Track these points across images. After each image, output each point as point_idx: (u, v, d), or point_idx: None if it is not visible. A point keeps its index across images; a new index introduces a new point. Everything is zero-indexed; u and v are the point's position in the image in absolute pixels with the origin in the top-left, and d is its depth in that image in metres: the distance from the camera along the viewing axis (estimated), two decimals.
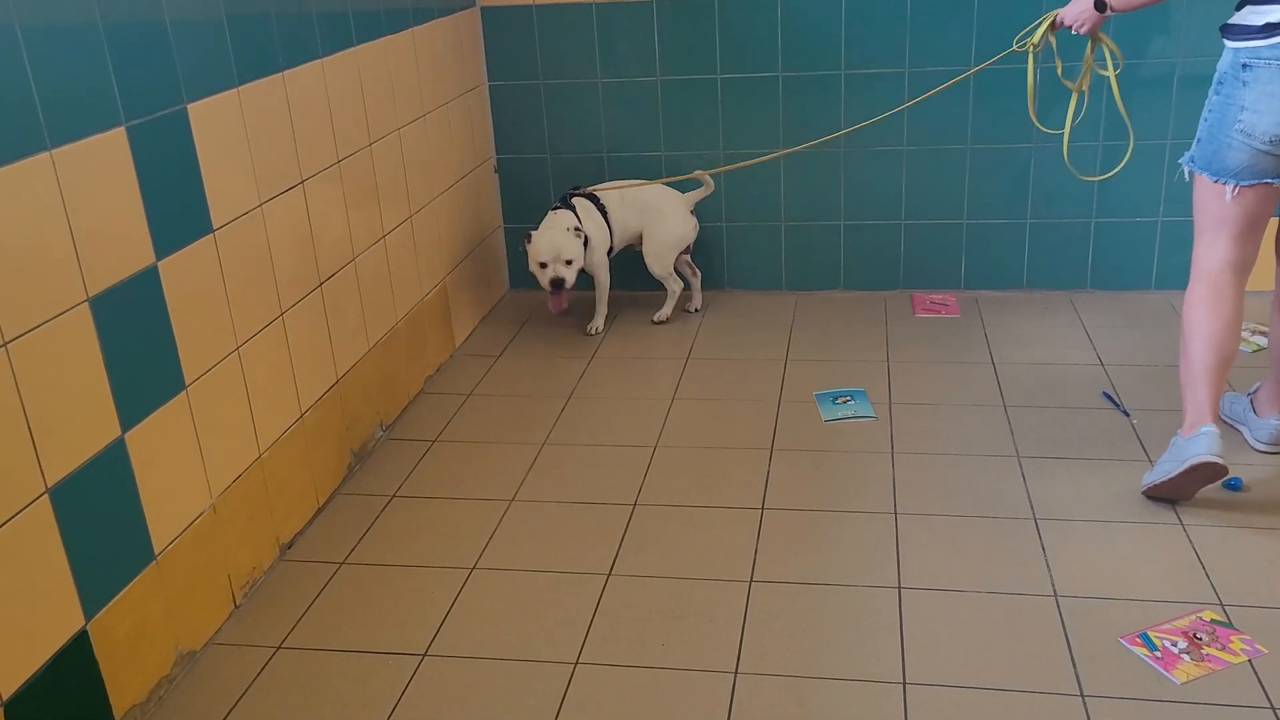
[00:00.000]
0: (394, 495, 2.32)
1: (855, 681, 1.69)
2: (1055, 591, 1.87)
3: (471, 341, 3.11)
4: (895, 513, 2.14)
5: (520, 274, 3.49)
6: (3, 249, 1.41)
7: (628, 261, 3.24)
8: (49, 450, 1.48)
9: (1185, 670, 1.66)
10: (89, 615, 1.57)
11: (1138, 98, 2.95)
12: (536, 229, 2.93)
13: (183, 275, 1.78)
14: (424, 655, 1.81)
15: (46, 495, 1.48)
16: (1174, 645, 1.71)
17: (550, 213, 2.97)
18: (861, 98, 3.12)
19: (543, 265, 2.87)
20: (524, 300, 3.40)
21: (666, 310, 3.17)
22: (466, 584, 1.99)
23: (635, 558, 2.04)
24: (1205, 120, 2.02)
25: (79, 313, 1.54)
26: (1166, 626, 1.76)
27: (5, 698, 1.42)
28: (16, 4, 1.42)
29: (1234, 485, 2.12)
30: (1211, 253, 2.06)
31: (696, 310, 3.22)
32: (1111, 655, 1.71)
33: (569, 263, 2.87)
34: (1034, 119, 2.44)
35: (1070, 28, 2.21)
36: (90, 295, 1.56)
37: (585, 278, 3.10)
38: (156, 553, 1.73)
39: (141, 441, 1.68)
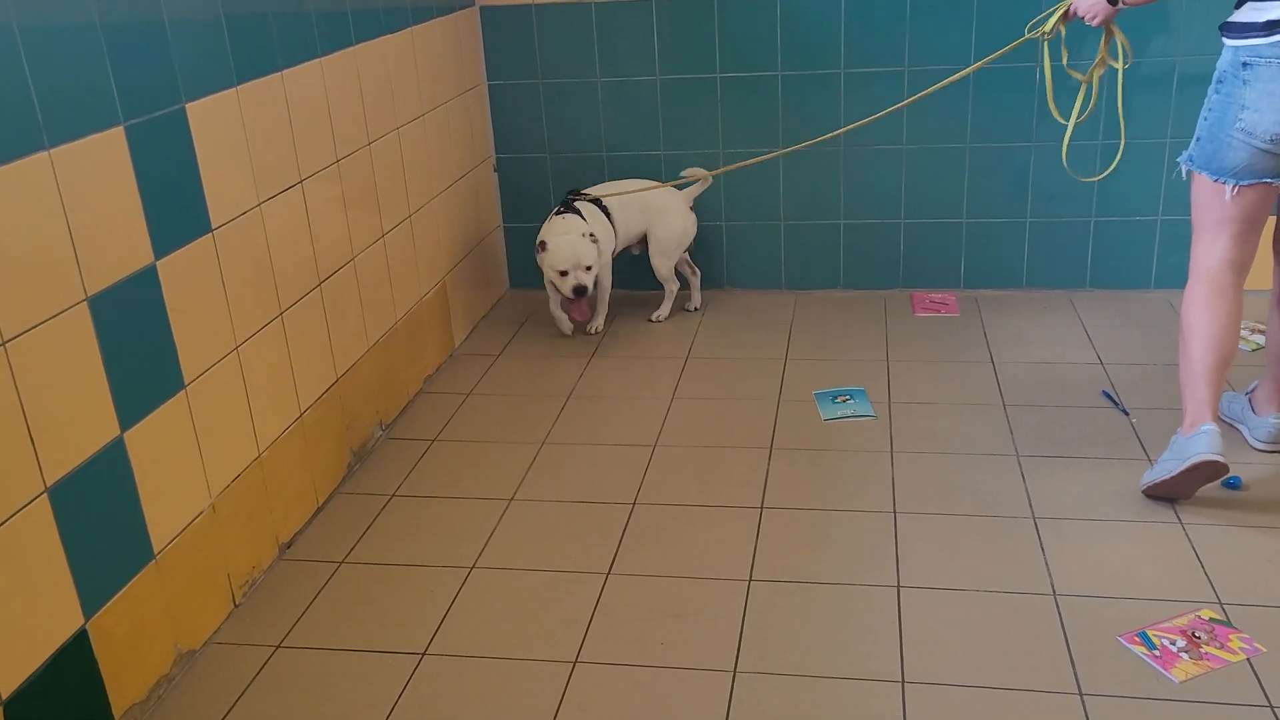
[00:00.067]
0: (393, 494, 2.32)
1: (854, 680, 1.69)
2: (1054, 590, 1.87)
3: (471, 341, 3.11)
4: (894, 511, 2.14)
5: (519, 274, 3.49)
6: (1, 248, 1.41)
7: (626, 261, 3.24)
8: (48, 449, 1.49)
9: (1184, 669, 1.66)
10: (88, 614, 1.57)
11: (1137, 96, 2.95)
12: (547, 237, 2.84)
13: (181, 275, 1.78)
14: (423, 654, 1.81)
15: (45, 494, 1.48)
16: (1173, 644, 1.71)
17: (555, 218, 2.91)
18: (861, 97, 3.12)
19: (563, 273, 2.81)
20: (523, 300, 3.40)
21: (665, 310, 3.17)
22: (466, 583, 2.00)
23: (634, 557, 2.04)
24: (1205, 119, 2.02)
25: (78, 312, 1.54)
26: (1165, 625, 1.76)
27: (5, 697, 1.42)
28: (15, 4, 1.42)
29: (1233, 484, 2.12)
30: (1210, 252, 2.06)
31: (696, 309, 3.22)
32: (1110, 654, 1.71)
33: (589, 269, 2.82)
34: (1052, 108, 2.36)
35: (1083, 19, 2.17)
36: (89, 295, 1.56)
37: None
38: (156, 552, 1.73)
39: (140, 441, 1.68)
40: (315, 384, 2.24)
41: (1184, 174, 2.10)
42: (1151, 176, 3.07)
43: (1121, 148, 2.43)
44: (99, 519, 1.60)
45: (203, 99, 1.83)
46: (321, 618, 1.92)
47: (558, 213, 2.93)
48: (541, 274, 2.98)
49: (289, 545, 2.14)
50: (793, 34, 3.09)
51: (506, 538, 2.14)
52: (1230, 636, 1.72)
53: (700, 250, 3.33)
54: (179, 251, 1.78)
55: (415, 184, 2.76)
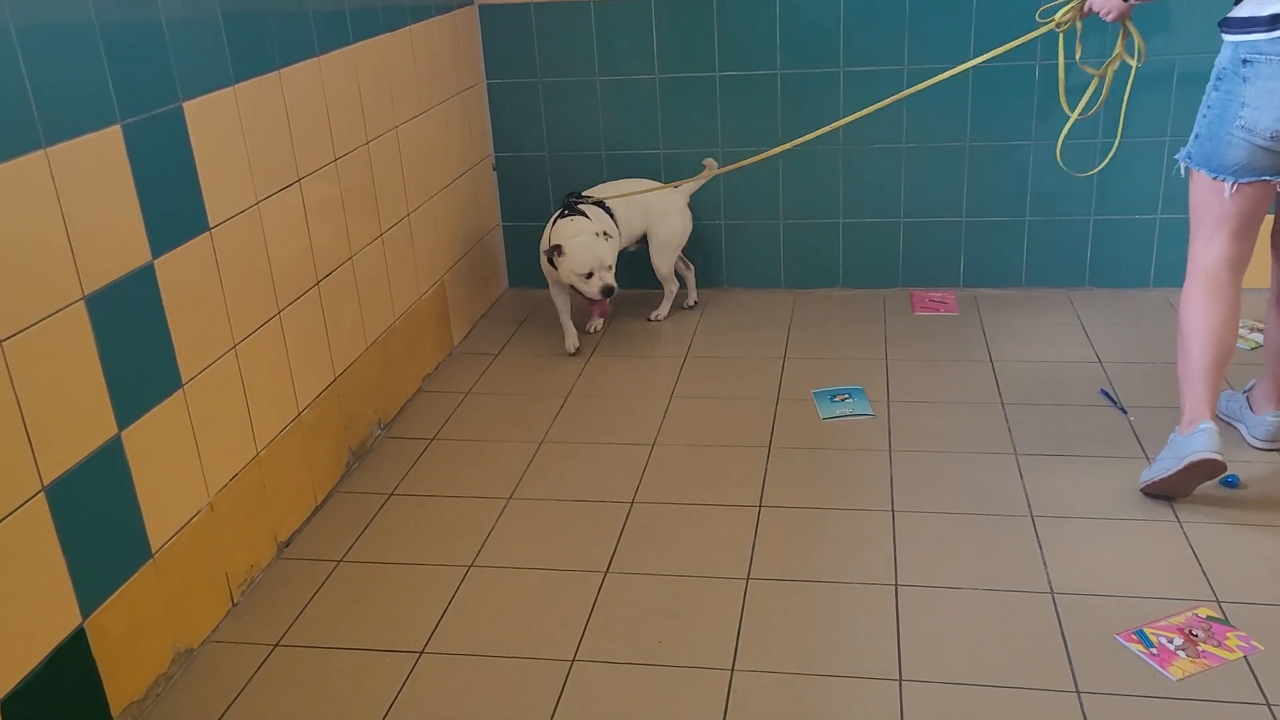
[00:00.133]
0: (392, 493, 2.32)
1: (851, 678, 1.69)
2: (1052, 588, 1.87)
3: (470, 340, 3.11)
4: (892, 510, 2.14)
5: (519, 273, 3.49)
6: None
7: (625, 260, 3.23)
8: (45, 448, 1.49)
9: (1181, 667, 1.66)
10: (86, 613, 1.57)
11: (1136, 94, 2.93)
12: (563, 241, 2.76)
13: (179, 273, 1.78)
14: (421, 653, 1.81)
15: (43, 493, 1.49)
16: (1170, 642, 1.71)
17: (562, 221, 2.84)
18: (860, 95, 3.11)
19: (587, 276, 2.76)
20: (522, 299, 3.40)
21: (664, 309, 3.17)
22: (464, 582, 2.00)
23: (632, 555, 2.04)
24: (1204, 116, 2.01)
25: (74, 311, 1.54)
26: (1163, 623, 1.76)
27: (2, 695, 1.42)
28: (11, 2, 1.42)
29: (1231, 482, 2.12)
30: (1208, 250, 2.06)
31: (694, 305, 3.22)
32: (1107, 652, 1.71)
33: (609, 267, 2.79)
34: (1063, 101, 2.32)
35: (1099, 14, 2.14)
36: (86, 293, 1.56)
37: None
38: (154, 551, 1.73)
39: (138, 439, 1.68)
40: (313, 383, 2.25)
41: (1182, 171, 2.10)
42: (1151, 175, 3.07)
43: (1116, 144, 2.41)
44: (96, 518, 1.60)
45: (200, 98, 1.83)
46: (320, 616, 1.92)
47: (561, 216, 2.88)
48: (544, 279, 2.96)
49: (287, 544, 2.14)
50: (792, 32, 3.08)
51: (505, 536, 2.14)
52: (1228, 634, 1.72)
53: (699, 249, 3.33)
54: (176, 250, 1.78)
55: (414, 183, 2.76)
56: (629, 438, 2.49)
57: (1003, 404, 2.54)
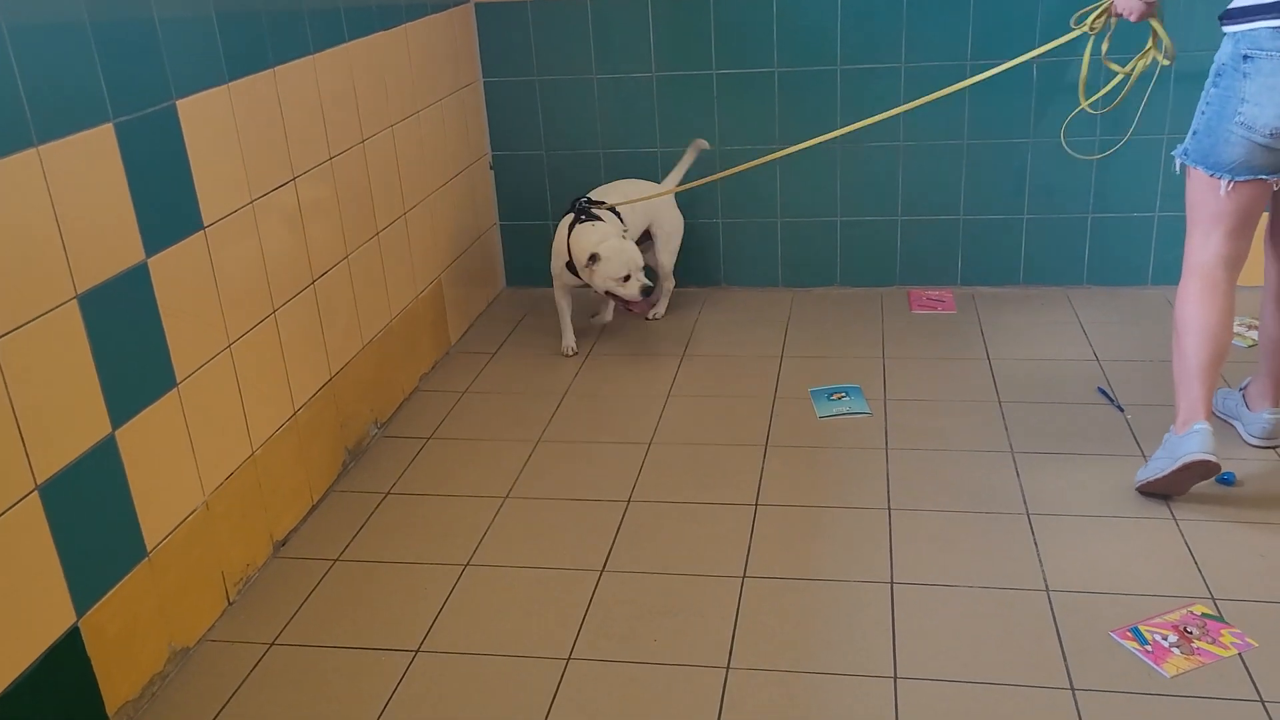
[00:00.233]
0: (388, 492, 2.32)
1: (846, 676, 1.69)
2: (1047, 586, 1.87)
3: (467, 339, 3.11)
4: (888, 508, 2.14)
5: (516, 272, 3.49)
6: None
7: None
8: (38, 447, 1.49)
9: (1175, 664, 1.66)
10: (80, 612, 1.57)
11: (1134, 91, 2.94)
12: (597, 249, 2.73)
13: (173, 272, 1.78)
14: (417, 651, 1.81)
15: (36, 492, 1.48)
16: (1164, 639, 1.71)
17: (583, 227, 2.80)
18: (858, 93, 3.12)
19: (624, 279, 2.75)
20: (520, 297, 3.40)
21: (661, 307, 3.17)
22: (460, 580, 2.00)
23: (629, 554, 2.04)
24: (1202, 113, 2.00)
25: (68, 310, 1.54)
26: (1157, 620, 1.76)
27: None
28: (3, 1, 1.42)
29: (1227, 480, 2.12)
30: (1204, 248, 2.05)
31: (658, 318, 3.15)
32: (1102, 649, 1.71)
33: (642, 269, 2.79)
34: (1083, 101, 2.29)
35: (1123, 15, 2.13)
36: (79, 292, 1.56)
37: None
38: (149, 549, 1.73)
39: (132, 438, 1.68)
40: (309, 382, 2.25)
41: (1177, 168, 2.10)
42: (1149, 172, 3.07)
43: (1129, 134, 2.36)
44: (91, 517, 1.60)
45: (194, 96, 1.83)
46: (316, 615, 1.92)
47: (581, 221, 2.82)
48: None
49: (284, 543, 2.14)
50: (789, 30, 3.08)
51: (501, 535, 2.14)
52: (1222, 631, 1.72)
53: (696, 248, 3.33)
54: (170, 249, 1.78)
55: (410, 182, 2.76)
56: (626, 437, 2.49)
57: (1000, 402, 2.54)
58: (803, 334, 3.01)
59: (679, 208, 3.15)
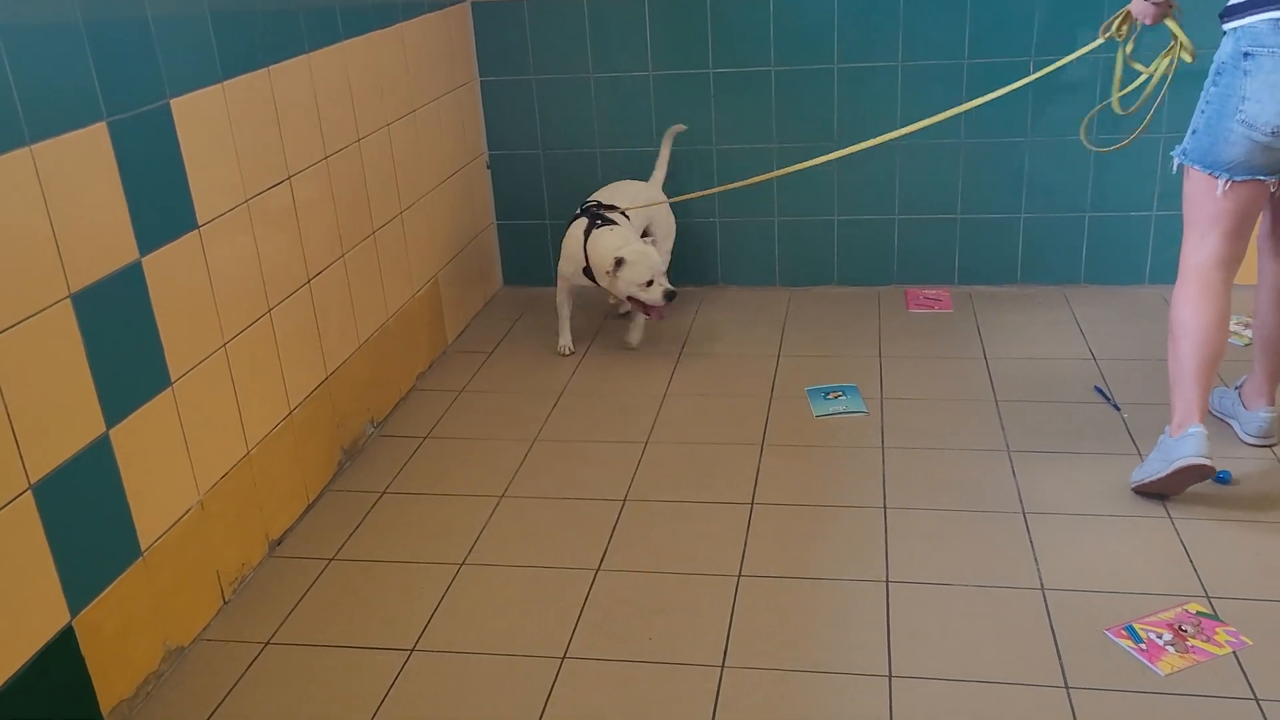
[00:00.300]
0: (384, 491, 2.32)
1: (841, 675, 1.69)
2: (1042, 585, 1.87)
3: (464, 338, 3.11)
4: (884, 507, 2.14)
5: (513, 271, 3.49)
6: None
7: None
8: (32, 447, 1.49)
9: (1169, 662, 1.66)
10: (74, 611, 1.57)
11: (1131, 92, 2.94)
12: (623, 254, 2.71)
13: (167, 271, 1.78)
14: (412, 650, 1.81)
15: (30, 491, 1.48)
16: (1159, 637, 1.71)
17: (601, 232, 2.78)
18: (854, 92, 3.12)
19: (648, 283, 2.73)
20: (517, 297, 3.40)
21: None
22: (455, 579, 2.00)
23: (624, 553, 2.04)
24: (1202, 112, 1.99)
25: (61, 309, 1.54)
26: (1152, 619, 1.76)
27: None
28: None
29: (1223, 479, 2.12)
30: (1201, 248, 2.05)
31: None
32: (1097, 648, 1.71)
33: (665, 273, 2.79)
34: (1116, 106, 2.27)
35: (1139, 20, 2.13)
36: (72, 291, 1.56)
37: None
38: (143, 549, 1.73)
39: (126, 438, 1.68)
40: (305, 381, 2.24)
41: (1174, 168, 2.09)
42: (1146, 171, 3.07)
43: (1141, 128, 2.31)
44: (85, 516, 1.60)
45: (188, 95, 1.83)
46: (311, 614, 1.92)
47: (598, 226, 2.80)
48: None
49: (279, 542, 2.14)
50: (786, 29, 3.08)
51: (497, 534, 2.14)
52: (1216, 630, 1.72)
53: (694, 247, 3.33)
54: (165, 248, 1.78)
55: (406, 181, 2.76)
56: (622, 436, 2.49)
57: (996, 401, 2.54)
58: (800, 333, 3.00)
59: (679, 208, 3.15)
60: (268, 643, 1.85)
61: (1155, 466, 2.05)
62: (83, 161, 1.59)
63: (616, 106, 3.22)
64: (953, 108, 3.05)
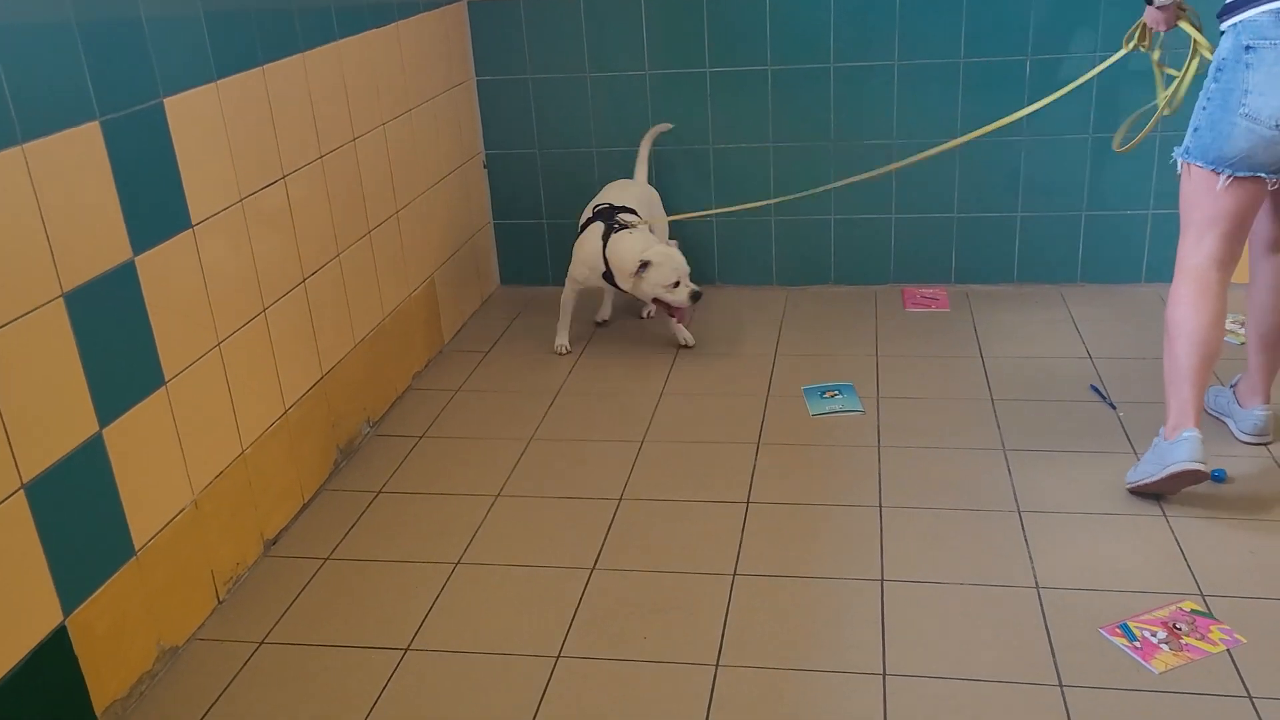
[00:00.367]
0: (380, 491, 2.32)
1: (834, 673, 1.69)
2: (1037, 583, 1.87)
3: (460, 337, 3.11)
4: (880, 506, 2.13)
5: (510, 270, 3.49)
6: None
7: None
8: (24, 446, 1.48)
9: (1164, 660, 1.66)
10: (68, 611, 1.57)
11: (1127, 90, 2.95)
12: (650, 257, 2.71)
13: (161, 271, 1.78)
14: (406, 650, 1.81)
15: (22, 491, 1.48)
16: (1153, 635, 1.71)
17: (621, 235, 2.78)
18: (851, 91, 3.12)
19: (675, 285, 2.74)
20: (514, 296, 3.40)
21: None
22: (451, 579, 1.99)
23: (619, 552, 2.04)
24: (1203, 109, 1.97)
25: (53, 308, 1.54)
26: (1146, 617, 1.76)
27: None
28: None
29: (1218, 477, 2.12)
30: (1198, 249, 2.03)
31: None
32: (1091, 646, 1.71)
33: (689, 273, 2.79)
34: (1166, 110, 2.24)
35: (1153, 29, 2.13)
36: (65, 290, 1.56)
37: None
38: (136, 548, 1.73)
39: (120, 437, 1.68)
40: (300, 381, 2.24)
41: (1180, 167, 2.05)
42: (1142, 170, 3.06)
43: (1153, 123, 2.29)
44: (78, 515, 1.60)
45: (181, 94, 1.83)
46: (306, 614, 1.92)
47: (616, 230, 2.79)
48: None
49: (274, 541, 2.14)
50: (782, 28, 3.08)
51: (492, 534, 2.13)
52: (1211, 628, 1.72)
53: (691, 246, 3.32)
54: (158, 247, 1.78)
55: (402, 180, 2.76)
56: (618, 435, 2.49)
57: (992, 400, 2.54)
58: (796, 332, 3.00)
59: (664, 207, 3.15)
60: (262, 642, 1.85)
61: (1149, 469, 2.05)
62: (75, 161, 1.59)
63: (613, 106, 3.22)
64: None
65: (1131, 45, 2.22)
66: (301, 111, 2.24)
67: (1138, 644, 1.70)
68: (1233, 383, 2.34)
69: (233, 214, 1.99)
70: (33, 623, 1.51)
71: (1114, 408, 2.46)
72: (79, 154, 1.59)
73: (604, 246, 2.80)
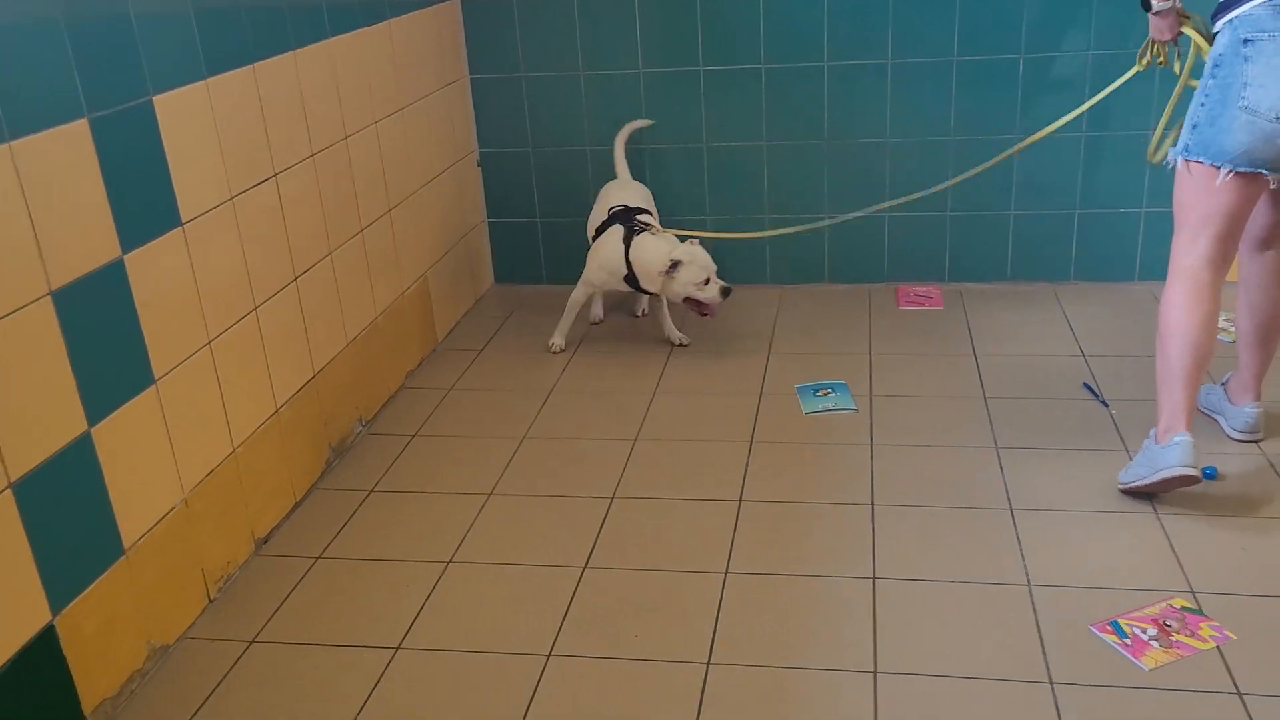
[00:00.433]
0: (372, 490, 2.32)
1: (825, 671, 1.69)
2: (1029, 580, 1.87)
3: (454, 336, 3.11)
4: (872, 504, 2.13)
5: (504, 269, 3.49)
6: None
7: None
8: (12, 445, 1.48)
9: (1153, 657, 1.66)
10: (56, 610, 1.57)
11: (1120, 89, 2.94)
12: (680, 258, 2.70)
13: (150, 269, 1.77)
14: (397, 648, 1.81)
15: (10, 489, 1.48)
16: (1143, 632, 1.71)
17: (644, 238, 2.77)
18: (844, 89, 3.12)
19: (705, 283, 2.74)
20: (508, 294, 3.40)
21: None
22: (443, 577, 1.99)
23: (612, 550, 2.04)
24: (1202, 105, 1.96)
25: (41, 306, 1.54)
26: (1137, 614, 1.76)
27: None
28: None
29: (1209, 474, 2.12)
30: (1192, 250, 2.02)
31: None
32: (1081, 643, 1.71)
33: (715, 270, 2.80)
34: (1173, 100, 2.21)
35: (1158, 39, 2.13)
36: (53, 289, 1.56)
37: (570, 272, 3.07)
38: (126, 547, 1.72)
39: (109, 436, 1.67)
40: (292, 379, 2.24)
41: (1181, 165, 2.02)
42: (1134, 169, 3.07)
43: (1165, 118, 2.28)
44: (66, 514, 1.59)
45: (171, 92, 1.83)
46: (297, 613, 1.92)
47: (637, 232, 2.78)
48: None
49: (265, 540, 2.14)
50: (775, 26, 3.08)
51: (484, 533, 2.13)
52: (1201, 624, 1.72)
53: None
54: (148, 245, 1.77)
55: (395, 179, 2.75)
56: (611, 433, 2.49)
57: (985, 398, 2.54)
58: (790, 330, 3.00)
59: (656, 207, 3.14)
60: (253, 641, 1.85)
61: (1141, 471, 2.05)
62: (63, 158, 1.58)
63: (607, 104, 3.22)
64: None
65: (1145, 62, 2.21)
66: (293, 109, 2.24)
67: (1128, 641, 1.70)
68: (1223, 380, 2.35)
69: (223, 212, 1.99)
70: (20, 622, 1.51)
71: (1107, 405, 2.46)
72: (67, 152, 1.59)
73: (625, 250, 2.79)
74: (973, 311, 3.05)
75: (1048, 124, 3.04)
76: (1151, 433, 2.07)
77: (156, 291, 1.79)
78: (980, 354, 2.78)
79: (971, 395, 2.56)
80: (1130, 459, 2.15)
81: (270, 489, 2.15)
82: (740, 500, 2.18)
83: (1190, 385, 2.01)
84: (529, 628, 1.83)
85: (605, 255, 2.84)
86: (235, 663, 1.80)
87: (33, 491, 1.51)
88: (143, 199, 1.76)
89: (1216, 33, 1.96)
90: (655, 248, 2.76)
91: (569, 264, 3.27)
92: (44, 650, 1.54)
